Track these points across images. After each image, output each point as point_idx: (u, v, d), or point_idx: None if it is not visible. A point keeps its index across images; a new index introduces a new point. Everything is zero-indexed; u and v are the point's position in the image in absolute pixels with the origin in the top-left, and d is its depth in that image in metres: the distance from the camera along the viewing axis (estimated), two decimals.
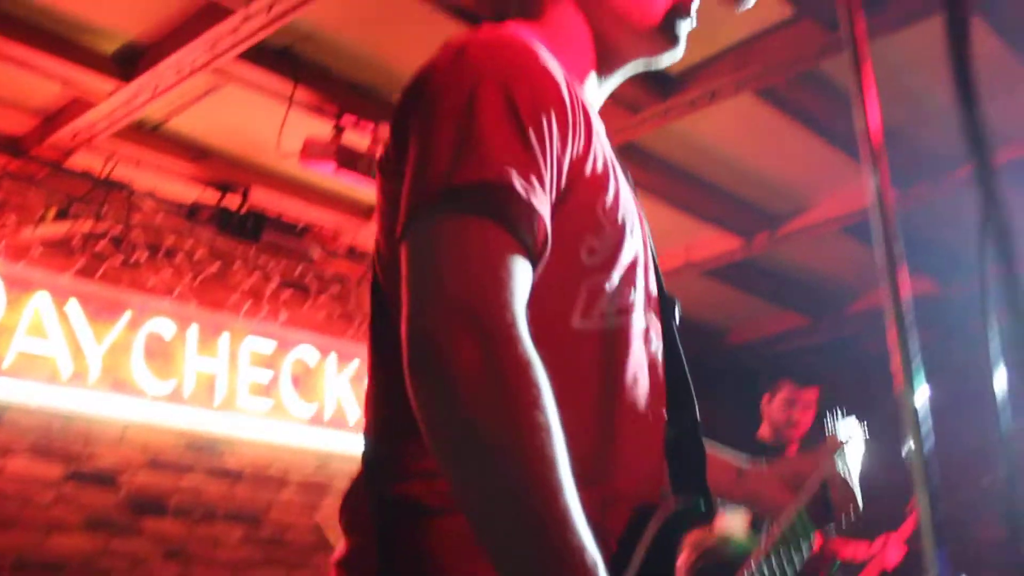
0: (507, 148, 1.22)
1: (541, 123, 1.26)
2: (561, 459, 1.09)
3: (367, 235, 6.45)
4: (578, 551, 1.06)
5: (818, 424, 4.95)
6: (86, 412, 5.42)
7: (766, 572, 2.19)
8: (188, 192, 5.89)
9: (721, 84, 4.81)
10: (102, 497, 5.42)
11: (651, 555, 1.30)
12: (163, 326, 5.79)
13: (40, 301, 5.34)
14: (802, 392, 5.00)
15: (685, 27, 1.54)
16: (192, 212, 5.95)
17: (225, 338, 6.04)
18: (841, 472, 2.02)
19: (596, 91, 1.57)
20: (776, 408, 5.00)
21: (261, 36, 4.38)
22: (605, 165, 1.38)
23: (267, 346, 6.22)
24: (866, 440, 2.32)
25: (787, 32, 4.55)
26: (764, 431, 5.02)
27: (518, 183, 1.20)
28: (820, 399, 5.01)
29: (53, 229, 5.46)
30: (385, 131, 5.01)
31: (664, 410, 1.44)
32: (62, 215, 5.49)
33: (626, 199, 1.42)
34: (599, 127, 1.43)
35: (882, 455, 2.98)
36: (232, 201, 5.90)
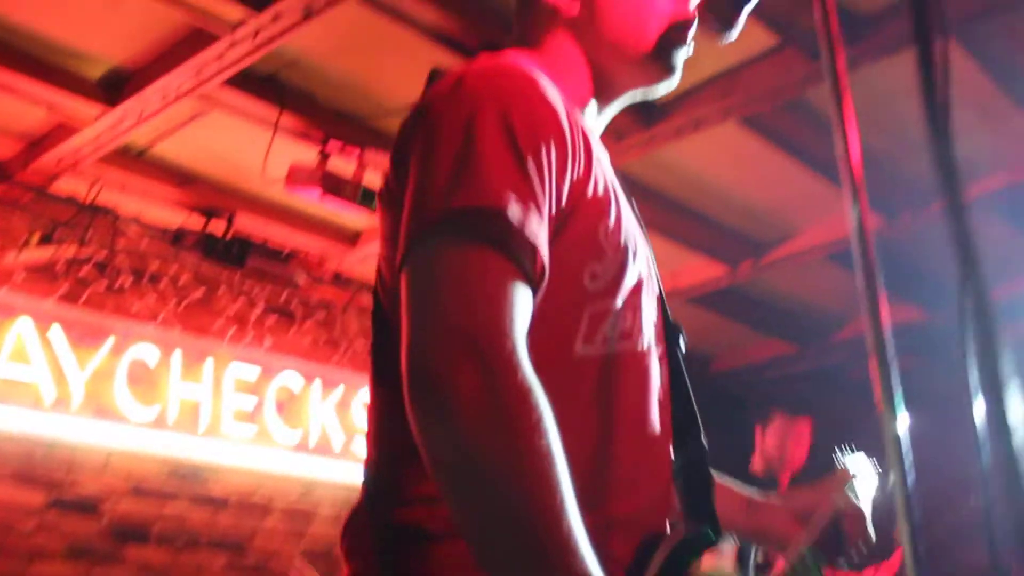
0: (505, 175, 1.23)
1: (539, 150, 1.27)
2: (563, 484, 1.10)
3: (352, 261, 6.45)
4: None
5: (812, 457, 4.93)
6: (69, 439, 5.38)
7: None
8: (173, 217, 5.87)
9: (706, 112, 4.83)
10: (84, 525, 5.37)
11: None
12: (147, 352, 5.76)
13: (23, 326, 5.31)
14: (795, 424, 4.97)
15: (681, 55, 1.55)
16: (177, 238, 5.93)
17: (209, 364, 6.01)
18: (853, 505, 2.02)
19: (595, 118, 1.58)
20: (769, 441, 4.97)
21: (247, 63, 4.39)
22: (606, 190, 1.39)
23: (252, 372, 6.19)
24: (879, 474, 2.31)
25: (772, 61, 4.57)
26: (756, 463, 4.98)
27: (516, 209, 1.21)
28: (813, 430, 4.99)
29: (37, 254, 5.44)
30: (370, 157, 5.05)
31: (669, 436, 1.44)
32: (46, 240, 5.47)
33: (628, 224, 1.42)
34: (600, 153, 1.44)
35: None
36: (217, 227, 5.89)
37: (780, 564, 3.61)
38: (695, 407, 1.50)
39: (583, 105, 1.53)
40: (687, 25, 1.54)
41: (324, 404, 6.50)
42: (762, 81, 4.63)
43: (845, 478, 2.08)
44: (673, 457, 1.44)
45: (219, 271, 6.13)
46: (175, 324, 5.95)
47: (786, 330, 7.79)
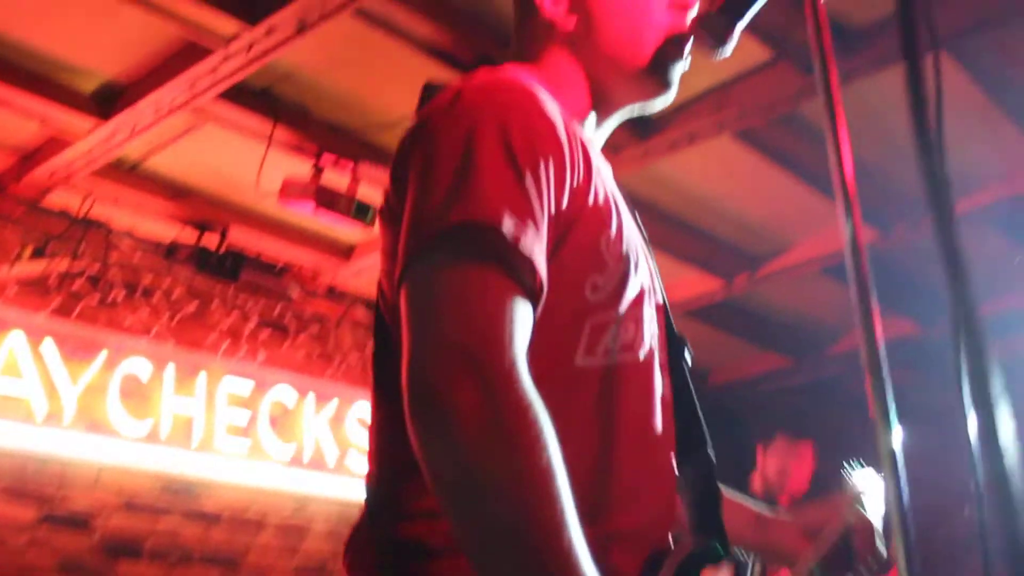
0: (503, 189, 1.23)
1: (538, 164, 1.27)
2: (563, 498, 1.09)
3: (347, 275, 6.44)
4: None
5: (815, 479, 4.91)
6: (61, 454, 5.35)
7: None
8: (166, 231, 5.86)
9: (700, 126, 4.84)
10: (76, 540, 5.34)
11: None
12: (140, 366, 5.73)
13: (15, 340, 5.29)
14: (797, 447, 4.94)
15: (677, 69, 1.55)
16: (170, 251, 5.93)
17: (202, 378, 5.98)
18: (862, 520, 2.02)
19: (595, 132, 1.58)
20: (770, 463, 4.94)
21: (240, 76, 4.39)
22: (607, 201, 1.39)
23: (245, 386, 6.16)
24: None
25: (765, 75, 4.58)
26: (755, 484, 4.95)
27: (515, 225, 1.21)
28: (816, 453, 4.96)
29: (29, 268, 5.42)
30: (364, 170, 5.05)
31: (672, 449, 1.43)
32: (38, 254, 5.46)
33: (630, 235, 1.42)
34: (600, 164, 1.44)
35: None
36: (211, 240, 5.88)
37: None
38: (702, 420, 1.49)
39: (582, 119, 1.54)
40: (683, 40, 1.54)
41: (318, 418, 6.47)
42: (756, 95, 4.64)
43: (854, 494, 2.08)
44: (677, 470, 1.43)
45: (212, 285, 6.12)
46: (168, 338, 5.93)
47: (782, 343, 7.79)
